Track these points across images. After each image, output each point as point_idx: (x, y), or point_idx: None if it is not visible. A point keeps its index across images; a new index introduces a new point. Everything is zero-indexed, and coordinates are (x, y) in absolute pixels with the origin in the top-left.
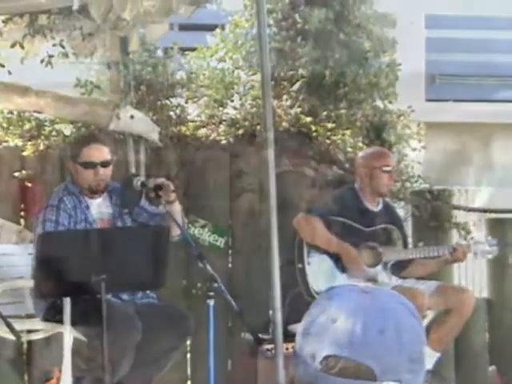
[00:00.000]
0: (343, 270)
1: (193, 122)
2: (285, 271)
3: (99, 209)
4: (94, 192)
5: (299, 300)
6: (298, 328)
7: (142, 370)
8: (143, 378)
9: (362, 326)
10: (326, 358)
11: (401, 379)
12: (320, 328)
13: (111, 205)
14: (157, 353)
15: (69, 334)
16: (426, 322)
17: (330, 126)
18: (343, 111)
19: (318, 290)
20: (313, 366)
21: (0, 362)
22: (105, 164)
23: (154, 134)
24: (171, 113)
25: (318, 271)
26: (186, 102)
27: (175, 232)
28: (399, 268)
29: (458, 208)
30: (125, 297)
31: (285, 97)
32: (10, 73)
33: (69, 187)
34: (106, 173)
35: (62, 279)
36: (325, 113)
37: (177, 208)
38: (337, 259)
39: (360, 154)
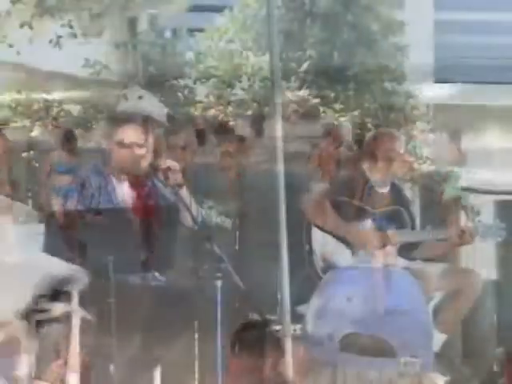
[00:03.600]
0: (352, 252)
1: (201, 102)
2: (293, 252)
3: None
4: (127, 173)
5: (307, 281)
6: (307, 309)
7: (150, 351)
8: (151, 358)
9: (379, 304)
10: (346, 336)
11: (417, 355)
12: (336, 308)
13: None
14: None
15: (78, 315)
16: (432, 304)
17: (338, 107)
18: (351, 92)
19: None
20: (331, 346)
21: None
22: (140, 145)
23: (161, 114)
24: (179, 93)
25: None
26: (195, 83)
27: (187, 220)
28: (407, 250)
29: (467, 190)
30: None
31: (293, 78)
32: (18, 53)
33: (97, 167)
34: (140, 153)
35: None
36: (333, 94)
37: (185, 191)
38: (345, 241)
39: (369, 135)
